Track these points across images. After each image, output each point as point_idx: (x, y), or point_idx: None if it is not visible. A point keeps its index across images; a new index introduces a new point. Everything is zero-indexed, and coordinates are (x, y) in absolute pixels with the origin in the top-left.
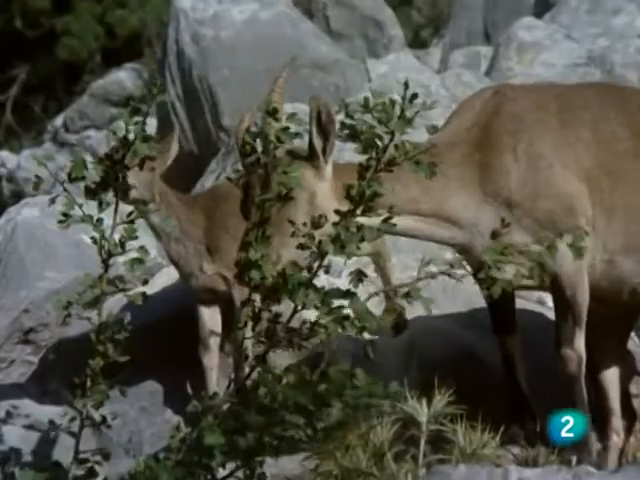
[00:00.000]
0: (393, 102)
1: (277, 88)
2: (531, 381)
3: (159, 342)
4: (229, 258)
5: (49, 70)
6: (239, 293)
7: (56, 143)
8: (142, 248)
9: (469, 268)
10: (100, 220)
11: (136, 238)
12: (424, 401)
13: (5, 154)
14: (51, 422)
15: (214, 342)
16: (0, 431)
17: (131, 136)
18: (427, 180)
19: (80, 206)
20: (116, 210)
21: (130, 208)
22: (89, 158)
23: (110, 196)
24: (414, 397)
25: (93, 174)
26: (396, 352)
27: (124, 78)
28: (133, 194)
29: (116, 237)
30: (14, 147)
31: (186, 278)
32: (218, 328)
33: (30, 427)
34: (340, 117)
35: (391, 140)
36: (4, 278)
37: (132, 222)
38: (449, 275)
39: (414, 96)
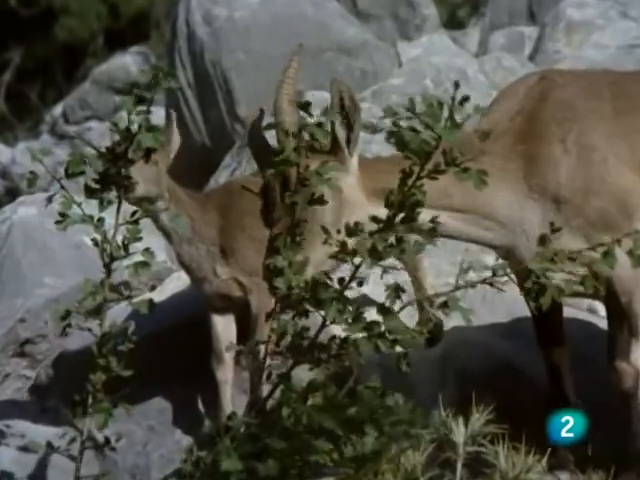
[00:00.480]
0: (441, 104)
1: (288, 79)
2: (581, 398)
3: (168, 354)
4: (245, 261)
5: (46, 53)
6: (257, 300)
7: (54, 135)
8: (147, 250)
9: (512, 275)
10: (101, 220)
11: (140, 239)
12: (461, 420)
13: None
14: (49, 444)
15: (229, 354)
16: None
17: (135, 127)
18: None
19: (79, 205)
20: (118, 209)
21: (134, 207)
22: (90, 152)
23: (112, 194)
24: (450, 415)
25: (93, 170)
26: (430, 365)
27: (129, 63)
28: (139, 191)
29: (119, 239)
30: (8, 139)
31: (198, 283)
32: (233, 338)
33: (26, 449)
34: (386, 123)
35: (437, 146)
36: None
37: (136, 222)
38: (490, 284)
39: (465, 98)
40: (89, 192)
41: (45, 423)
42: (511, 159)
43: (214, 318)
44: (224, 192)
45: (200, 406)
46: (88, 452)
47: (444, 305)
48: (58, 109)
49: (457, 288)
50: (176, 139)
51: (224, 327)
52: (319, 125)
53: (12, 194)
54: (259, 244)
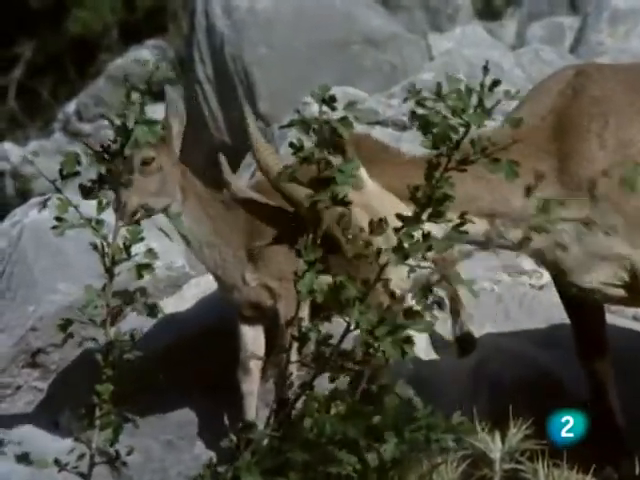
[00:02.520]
0: (470, 89)
1: (258, 147)
2: (626, 411)
3: (188, 364)
4: (275, 266)
5: (58, 48)
6: (285, 307)
7: (67, 133)
8: (150, 251)
9: (546, 277)
10: (100, 222)
11: (142, 240)
12: (497, 434)
13: (9, 146)
14: (56, 460)
15: (255, 365)
16: (2, 471)
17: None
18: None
19: (76, 207)
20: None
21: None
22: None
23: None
24: (484, 429)
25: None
26: (462, 376)
27: (145, 57)
28: (146, 209)
29: (120, 241)
30: (19, 138)
31: (227, 291)
32: (261, 350)
33: (41, 465)
34: (409, 105)
35: (466, 133)
36: (8, 291)
37: (137, 222)
38: (530, 285)
39: (495, 83)
40: (85, 193)
41: (58, 438)
42: (543, 159)
43: (243, 328)
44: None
45: (222, 419)
46: (103, 468)
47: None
48: (71, 106)
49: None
50: (177, 128)
51: (252, 338)
52: (343, 120)
53: (23, 196)
54: (289, 248)
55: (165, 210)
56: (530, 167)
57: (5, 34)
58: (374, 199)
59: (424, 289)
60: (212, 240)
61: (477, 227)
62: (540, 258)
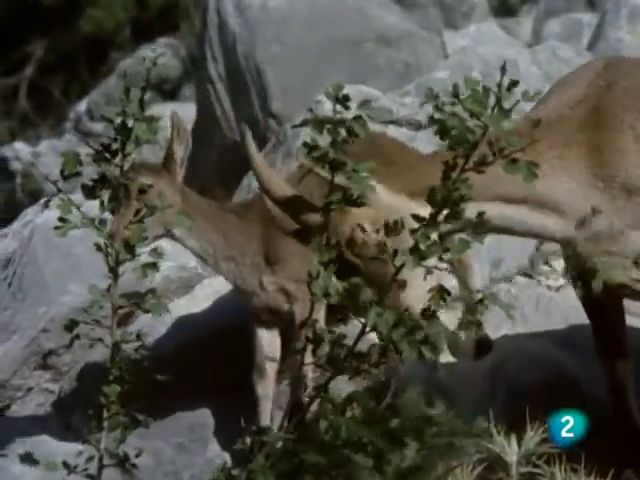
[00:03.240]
0: (487, 90)
1: (259, 168)
2: None
3: (201, 365)
4: (292, 269)
5: (70, 46)
6: (301, 310)
7: (79, 133)
8: (155, 250)
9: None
10: (104, 222)
11: (145, 240)
12: (513, 438)
13: (20, 146)
14: (64, 463)
15: (271, 368)
16: (14, 473)
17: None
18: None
19: (78, 208)
20: (119, 209)
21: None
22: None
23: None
24: (501, 433)
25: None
26: (478, 378)
27: (149, 55)
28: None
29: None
30: (30, 138)
31: (248, 298)
32: (277, 353)
33: (50, 468)
34: (427, 108)
35: (483, 134)
36: (20, 292)
37: (140, 221)
38: (529, 276)
39: (514, 83)
40: (87, 192)
41: (69, 440)
42: (570, 147)
43: (259, 331)
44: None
45: (234, 421)
46: (113, 471)
47: (481, 301)
48: (82, 105)
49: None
50: (181, 157)
51: (268, 340)
52: (357, 119)
53: (34, 196)
54: (305, 250)
55: (170, 234)
56: (558, 154)
57: (17, 33)
58: (390, 213)
59: (440, 291)
60: (228, 254)
61: (506, 212)
62: (566, 248)
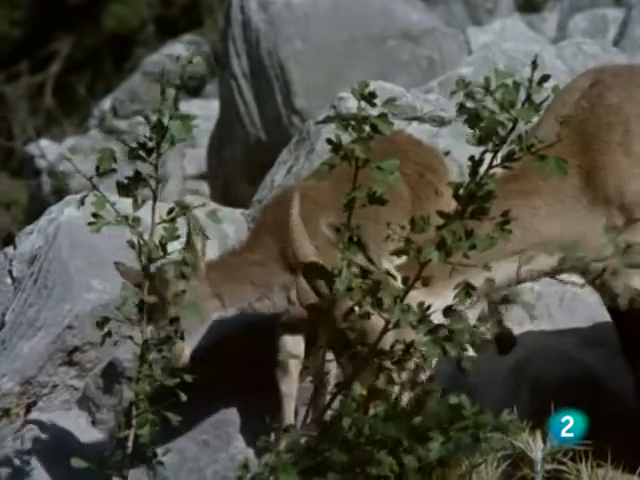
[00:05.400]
0: (518, 84)
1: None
2: None
3: (225, 363)
4: None
5: (95, 44)
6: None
7: (103, 130)
8: (187, 249)
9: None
10: (137, 219)
11: (178, 238)
12: (538, 434)
13: (45, 143)
14: (92, 460)
15: (294, 366)
16: (41, 470)
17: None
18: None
19: (112, 205)
20: (154, 207)
21: (167, 203)
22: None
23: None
24: (526, 429)
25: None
26: (502, 375)
27: (181, 52)
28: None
29: (156, 238)
30: (56, 135)
31: (278, 316)
32: (300, 351)
33: (75, 464)
34: (448, 100)
35: (513, 128)
36: (45, 289)
37: (173, 220)
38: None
39: (545, 78)
40: (121, 190)
41: (95, 437)
42: (564, 178)
43: (283, 334)
44: (277, 204)
45: (257, 419)
46: (139, 469)
47: (504, 299)
48: (106, 103)
49: (519, 282)
50: (201, 249)
51: (292, 339)
52: (382, 116)
53: (59, 193)
54: (325, 250)
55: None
56: (553, 187)
57: (43, 31)
58: None
59: (465, 288)
60: (259, 296)
61: (547, 261)
62: (582, 270)
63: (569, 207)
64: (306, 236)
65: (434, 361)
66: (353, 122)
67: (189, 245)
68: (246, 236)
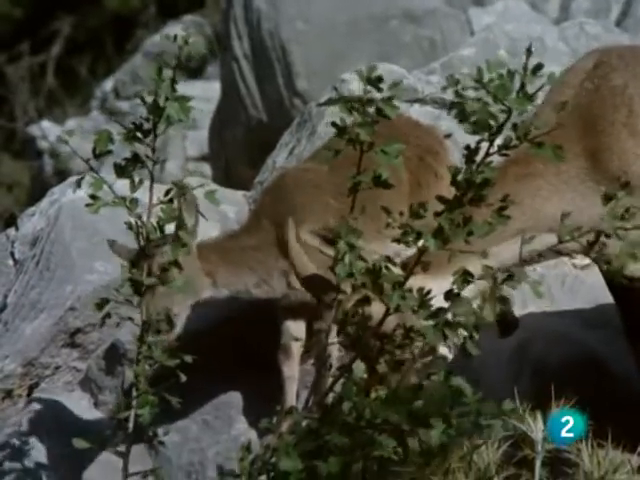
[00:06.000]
0: (512, 74)
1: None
2: None
3: (225, 346)
4: (314, 255)
5: (96, 24)
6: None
7: (105, 112)
8: (184, 229)
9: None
10: (134, 201)
11: (176, 220)
12: (539, 415)
13: (47, 125)
14: (93, 440)
15: (297, 349)
16: (43, 450)
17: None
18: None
19: (110, 186)
20: (151, 189)
21: (168, 185)
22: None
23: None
24: (527, 410)
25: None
26: (504, 357)
27: (177, 32)
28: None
29: (153, 220)
30: (58, 116)
31: (277, 302)
32: (302, 334)
33: (77, 445)
34: (448, 94)
35: (507, 118)
36: (47, 271)
37: (171, 201)
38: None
39: (538, 67)
40: (119, 172)
41: (97, 418)
42: (568, 158)
43: (285, 319)
44: (276, 188)
45: (259, 400)
46: (141, 449)
47: (509, 278)
48: (108, 84)
49: (524, 261)
50: (192, 226)
51: (295, 324)
52: (387, 100)
53: (62, 175)
54: (309, 247)
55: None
56: (554, 171)
57: (44, 10)
58: None
59: (464, 273)
60: (256, 281)
61: (545, 239)
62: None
63: (573, 188)
64: (303, 254)
65: (441, 347)
66: (357, 105)
67: (180, 221)
68: (245, 219)
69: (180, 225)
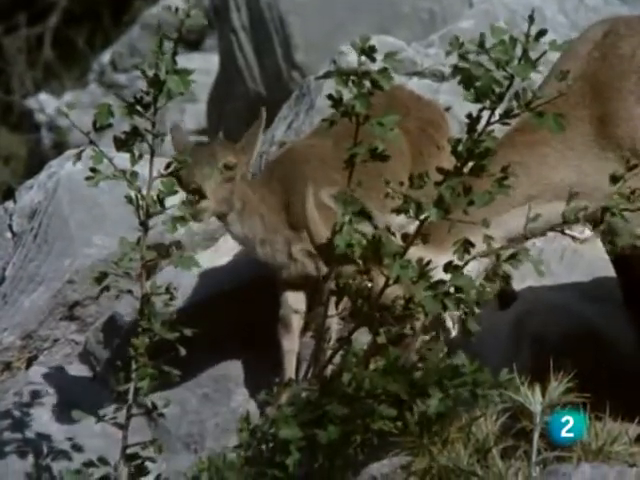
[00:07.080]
0: (514, 40)
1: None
2: None
3: (224, 318)
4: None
5: None
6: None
7: (103, 84)
8: (184, 203)
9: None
10: (134, 174)
11: (176, 193)
12: (537, 388)
13: (45, 97)
14: (93, 412)
15: (296, 321)
16: (42, 422)
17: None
18: (518, 156)
19: (110, 160)
20: (151, 162)
21: (168, 159)
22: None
23: (144, 146)
24: (525, 383)
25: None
26: (503, 330)
27: (181, 4)
28: (208, 213)
29: (154, 193)
30: (55, 89)
31: (276, 271)
32: (302, 306)
33: (76, 417)
34: (452, 58)
35: (509, 85)
36: (45, 244)
37: (171, 174)
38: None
39: (541, 33)
40: (118, 145)
41: (96, 390)
42: (574, 125)
43: (284, 291)
44: (285, 161)
45: (258, 373)
46: (140, 420)
47: (512, 257)
48: (106, 56)
49: (526, 238)
50: (258, 139)
51: (295, 298)
52: (383, 71)
53: (59, 148)
54: (327, 211)
55: (221, 216)
56: (560, 137)
57: None
58: None
59: (465, 244)
60: (263, 237)
61: (555, 208)
62: (592, 220)
63: (580, 155)
64: (320, 221)
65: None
66: (353, 77)
67: (252, 133)
68: (262, 173)
69: (251, 137)
